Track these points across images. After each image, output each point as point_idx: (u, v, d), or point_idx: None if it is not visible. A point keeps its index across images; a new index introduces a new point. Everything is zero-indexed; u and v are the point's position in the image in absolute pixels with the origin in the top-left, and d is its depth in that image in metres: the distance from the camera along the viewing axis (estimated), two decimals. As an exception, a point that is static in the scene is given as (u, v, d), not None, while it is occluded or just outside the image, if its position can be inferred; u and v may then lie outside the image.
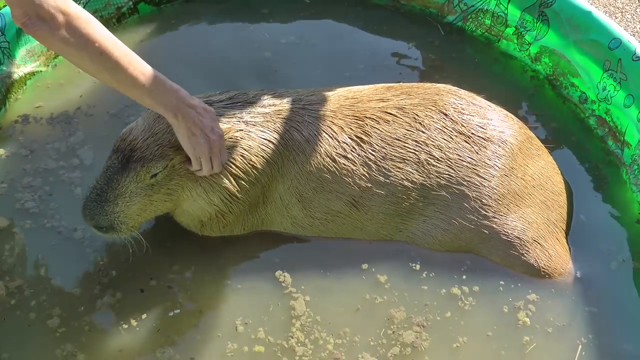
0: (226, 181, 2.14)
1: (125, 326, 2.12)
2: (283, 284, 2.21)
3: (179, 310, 2.16)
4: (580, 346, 2.12)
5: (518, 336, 2.13)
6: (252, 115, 2.18)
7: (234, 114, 2.16)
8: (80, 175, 2.46)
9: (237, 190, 2.17)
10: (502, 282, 2.23)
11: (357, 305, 2.19)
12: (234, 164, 2.13)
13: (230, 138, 2.11)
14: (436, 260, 2.26)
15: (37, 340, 2.10)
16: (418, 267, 2.25)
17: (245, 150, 2.14)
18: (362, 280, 2.24)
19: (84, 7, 2.73)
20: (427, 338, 2.11)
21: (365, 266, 2.26)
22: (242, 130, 2.14)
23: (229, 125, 2.13)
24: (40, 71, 2.75)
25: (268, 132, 2.17)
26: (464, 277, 2.24)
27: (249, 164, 2.15)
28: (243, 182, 2.16)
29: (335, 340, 2.11)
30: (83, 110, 2.65)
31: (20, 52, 2.67)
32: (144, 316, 2.15)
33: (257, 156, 2.15)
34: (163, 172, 2.06)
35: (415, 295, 2.20)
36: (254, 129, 2.16)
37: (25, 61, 2.69)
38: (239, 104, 2.19)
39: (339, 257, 2.28)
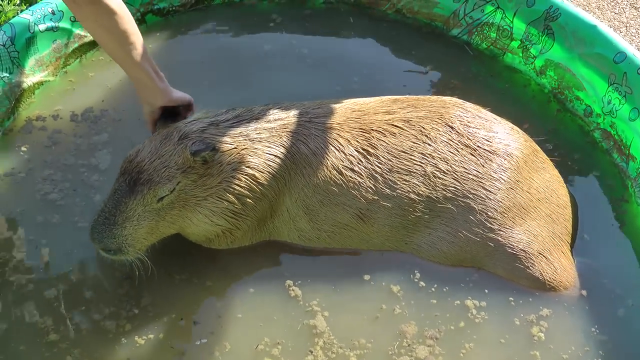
0: (229, 203, 2.16)
1: (124, 340, 2.12)
2: (301, 302, 2.20)
3: (205, 340, 2.12)
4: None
5: (528, 349, 2.14)
6: (258, 132, 2.19)
7: (240, 132, 2.17)
8: (98, 178, 2.48)
9: (243, 209, 2.18)
10: (511, 298, 2.23)
11: (375, 314, 2.19)
12: (238, 184, 2.14)
13: (234, 157, 2.13)
14: (442, 274, 2.26)
15: (25, 307, 2.16)
16: (425, 280, 2.26)
17: (250, 168, 2.15)
18: (374, 292, 2.24)
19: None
20: (440, 353, 2.11)
21: (367, 277, 2.27)
22: (247, 148, 2.15)
23: (233, 145, 2.14)
24: (49, 81, 2.77)
25: (274, 147, 2.18)
26: (471, 287, 2.25)
27: (255, 181, 2.16)
28: (249, 200, 2.17)
29: (355, 352, 2.11)
30: (111, 113, 2.67)
31: (30, 62, 2.69)
32: (151, 336, 2.13)
33: (262, 172, 2.16)
34: (169, 196, 2.08)
35: (425, 308, 2.20)
36: (260, 145, 2.17)
37: (34, 71, 2.71)
38: (244, 121, 2.21)
39: (348, 268, 2.28)
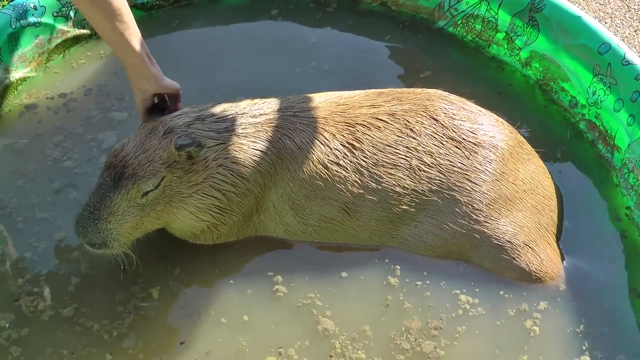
0: (215, 199, 2.15)
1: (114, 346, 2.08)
2: (300, 305, 2.18)
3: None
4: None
5: (523, 342, 2.14)
6: (244, 127, 2.18)
7: (226, 127, 2.17)
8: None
9: (228, 204, 2.17)
10: (502, 291, 2.22)
11: (376, 308, 2.18)
12: (223, 180, 2.14)
13: (220, 153, 2.13)
14: (431, 267, 2.26)
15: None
16: (414, 274, 2.25)
17: (235, 163, 2.15)
18: (368, 286, 2.22)
19: (74, 14, 2.77)
20: (445, 345, 2.11)
21: (344, 274, 2.25)
22: (233, 143, 2.15)
23: (219, 140, 2.14)
24: (32, 77, 2.75)
25: (260, 142, 2.17)
26: (461, 280, 2.24)
27: (240, 177, 2.15)
28: (235, 196, 2.17)
29: (360, 343, 2.11)
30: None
31: (12, 58, 2.66)
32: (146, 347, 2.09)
33: (248, 168, 2.16)
34: (154, 192, 2.07)
35: (421, 301, 2.20)
36: (246, 141, 2.16)
37: (17, 67, 2.69)
38: (230, 116, 2.20)
39: (337, 264, 2.27)
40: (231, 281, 2.23)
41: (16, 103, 2.67)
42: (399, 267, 2.26)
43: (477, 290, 2.22)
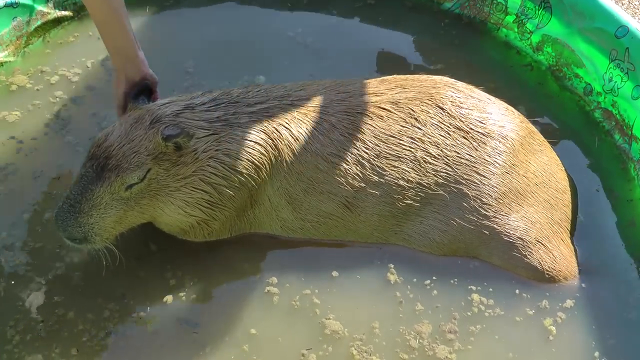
0: (205, 193, 2.10)
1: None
2: (312, 308, 2.13)
3: None
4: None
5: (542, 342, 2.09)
6: (237, 116, 2.13)
7: (218, 116, 2.12)
8: None
9: (220, 199, 2.13)
10: (517, 290, 2.17)
11: (387, 307, 2.13)
12: (214, 173, 2.08)
13: (211, 144, 2.08)
14: (438, 265, 2.21)
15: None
16: (421, 273, 2.20)
17: (227, 156, 2.10)
18: (371, 285, 2.18)
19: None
20: (459, 348, 2.06)
21: (346, 273, 2.20)
22: (225, 134, 2.10)
23: (210, 131, 2.08)
24: (9, 61, 2.71)
25: (254, 132, 2.13)
26: (473, 279, 2.19)
27: (233, 170, 2.11)
28: (227, 190, 2.12)
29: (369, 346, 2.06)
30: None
31: (-12, 42, 2.65)
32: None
33: (241, 160, 2.11)
34: (139, 184, 2.01)
35: (431, 301, 2.15)
36: (239, 131, 2.12)
37: (-7, 50, 2.68)
38: (222, 104, 2.15)
39: (336, 262, 2.23)
40: (233, 290, 2.18)
41: None
42: (402, 266, 2.22)
43: (490, 290, 2.18)
